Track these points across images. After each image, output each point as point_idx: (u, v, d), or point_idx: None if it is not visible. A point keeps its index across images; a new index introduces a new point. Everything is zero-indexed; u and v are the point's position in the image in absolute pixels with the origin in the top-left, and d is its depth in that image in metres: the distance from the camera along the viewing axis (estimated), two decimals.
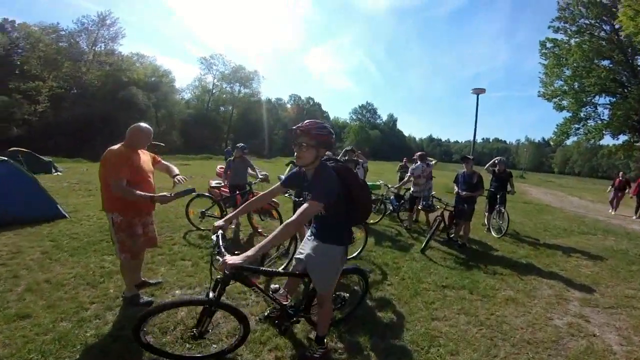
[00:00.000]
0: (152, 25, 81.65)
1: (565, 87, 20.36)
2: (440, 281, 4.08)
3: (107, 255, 4.06)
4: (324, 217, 2.16)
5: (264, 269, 2.76)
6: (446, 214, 5.55)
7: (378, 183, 8.48)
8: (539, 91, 21.72)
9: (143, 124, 2.95)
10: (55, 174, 13.03)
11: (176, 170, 3.19)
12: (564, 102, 20.70)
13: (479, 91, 14.39)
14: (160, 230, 5.36)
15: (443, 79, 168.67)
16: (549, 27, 19.99)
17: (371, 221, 6.66)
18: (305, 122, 2.06)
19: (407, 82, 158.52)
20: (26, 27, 32.38)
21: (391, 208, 7.61)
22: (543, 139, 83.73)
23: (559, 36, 19.88)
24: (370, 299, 3.45)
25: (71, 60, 34.04)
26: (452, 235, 5.70)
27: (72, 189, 9.01)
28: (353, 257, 4.47)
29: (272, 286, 2.62)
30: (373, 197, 8.07)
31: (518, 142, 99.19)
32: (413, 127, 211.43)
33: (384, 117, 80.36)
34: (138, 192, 2.71)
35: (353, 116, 77.05)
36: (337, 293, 2.71)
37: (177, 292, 3.30)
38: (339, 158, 6.40)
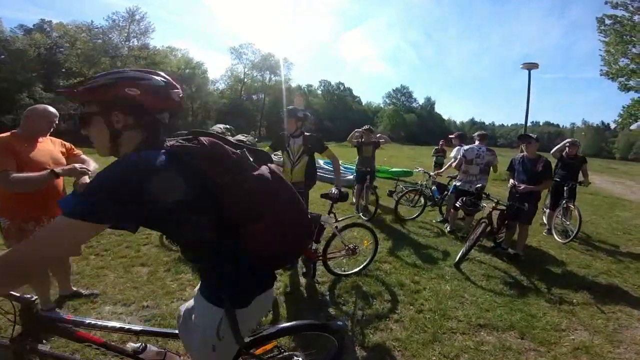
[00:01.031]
0: (184, 19, 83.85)
1: (632, 66, 18.32)
2: (477, 316, 2.85)
3: None
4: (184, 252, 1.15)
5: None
6: (495, 213, 4.11)
7: (417, 170, 7.21)
8: (601, 70, 19.58)
9: (41, 106, 2.35)
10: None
11: (92, 166, 2.36)
12: (631, 82, 18.65)
13: (530, 66, 12.30)
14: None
15: (487, 60, 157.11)
16: (606, 3, 17.91)
17: (405, 217, 5.70)
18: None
19: (447, 64, 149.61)
20: (62, 26, 34.16)
21: (430, 202, 6.38)
22: (602, 122, 78.59)
23: (619, 12, 18.02)
24: (358, 346, 2.36)
25: (107, 56, 35.57)
26: (501, 240, 4.33)
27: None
28: (354, 272, 3.40)
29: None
30: (408, 187, 7.12)
31: (573, 126, 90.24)
32: (453, 111, 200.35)
33: (421, 101, 76.16)
34: (28, 174, 2.06)
35: (387, 100, 73.90)
36: (285, 353, 1.58)
37: (107, 308, 2.69)
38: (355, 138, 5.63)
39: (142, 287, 3.04)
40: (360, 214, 5.47)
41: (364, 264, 3.46)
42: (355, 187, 5.81)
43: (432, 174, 6.40)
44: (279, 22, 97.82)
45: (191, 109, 44.74)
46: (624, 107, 19.24)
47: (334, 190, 2.91)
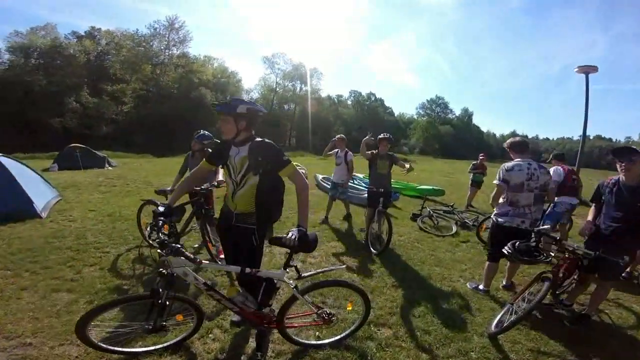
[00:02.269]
0: (220, 28, 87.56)
1: None
2: None
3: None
4: None
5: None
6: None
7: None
8: None
9: None
10: (107, 168, 13.52)
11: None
12: None
13: (587, 69, 10.66)
14: (101, 240, 4.25)
15: (526, 74, 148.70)
16: None
17: (428, 250, 4.50)
18: None
19: (483, 76, 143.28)
20: (109, 33, 36.16)
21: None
22: None
23: None
24: None
25: (149, 63, 37.42)
26: (561, 292, 3.15)
27: (98, 184, 8.65)
28: (330, 343, 2.33)
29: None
30: (437, 210, 6.11)
31: (629, 140, 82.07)
32: (492, 124, 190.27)
33: (457, 112, 72.65)
34: None
35: (420, 111, 71.22)
36: None
37: None
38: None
39: (43, 319, 2.49)
40: (371, 246, 4.35)
41: (346, 332, 2.39)
42: (366, 211, 4.84)
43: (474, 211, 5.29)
44: (309, 32, 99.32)
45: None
46: None
47: (292, 233, 1.82)
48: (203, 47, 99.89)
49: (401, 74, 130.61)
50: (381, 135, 4.59)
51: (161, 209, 2.00)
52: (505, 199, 3.06)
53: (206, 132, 4.15)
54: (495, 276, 3.34)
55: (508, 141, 3.21)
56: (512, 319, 2.48)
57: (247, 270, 1.88)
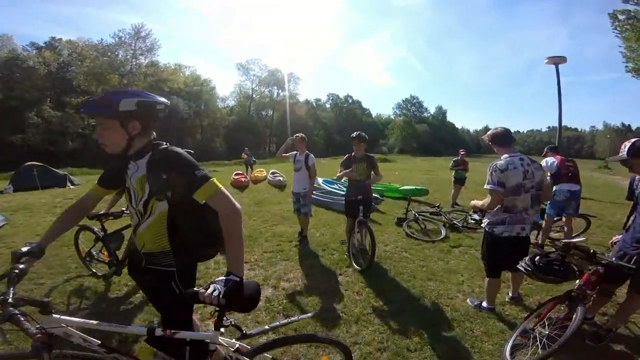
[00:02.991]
0: (192, 36, 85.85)
1: None
2: None
3: None
4: None
5: None
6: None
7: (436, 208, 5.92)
8: (626, 66, 18.78)
9: None
10: (68, 187, 12.42)
11: None
12: None
13: (557, 60, 10.75)
14: (38, 270, 3.64)
15: (495, 68, 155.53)
16: None
17: (417, 259, 4.02)
18: None
19: (455, 74, 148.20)
20: (71, 43, 34.30)
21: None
22: (623, 124, 74.79)
23: (631, 7, 17.33)
24: None
25: (115, 73, 35.86)
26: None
27: (53, 206, 7.75)
28: None
29: None
30: (422, 213, 5.61)
31: (593, 129, 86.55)
32: (466, 120, 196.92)
33: (432, 110, 74.23)
34: None
35: (397, 111, 72.30)
36: None
37: None
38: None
39: None
40: (354, 261, 3.77)
41: None
42: (346, 222, 4.27)
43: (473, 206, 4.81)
44: (284, 37, 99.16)
45: (200, 126, 44.71)
46: None
47: (213, 286, 1.17)
48: (174, 56, 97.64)
49: (377, 74, 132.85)
50: (352, 135, 3.93)
51: (25, 248, 1.36)
52: (500, 206, 2.57)
53: None
54: (495, 293, 2.88)
55: (489, 133, 2.71)
56: (540, 355, 1.96)
57: (159, 332, 1.25)
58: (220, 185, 1.33)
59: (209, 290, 1.15)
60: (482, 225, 2.72)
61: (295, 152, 4.68)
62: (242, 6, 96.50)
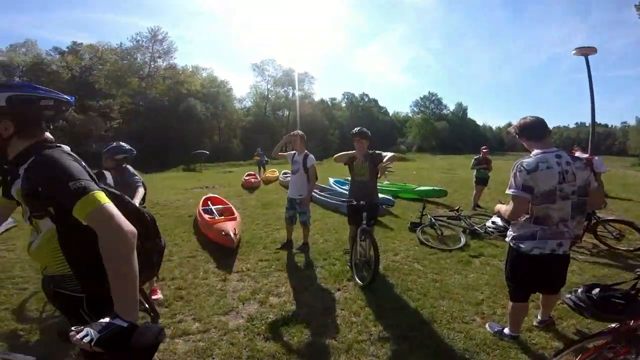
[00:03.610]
0: (208, 39, 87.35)
1: None
2: None
3: None
4: None
5: None
6: None
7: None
8: None
9: None
10: None
11: None
12: None
13: (587, 51, 9.76)
14: (25, 274, 3.63)
15: (513, 64, 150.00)
16: None
17: (432, 272, 3.52)
18: None
19: (472, 71, 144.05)
20: (92, 47, 35.34)
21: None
22: None
23: None
24: None
25: (135, 76, 36.76)
26: None
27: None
28: None
29: None
30: (437, 218, 5.04)
31: (625, 125, 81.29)
32: (487, 116, 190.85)
33: (451, 107, 71.92)
34: None
35: (415, 109, 70.51)
36: None
37: None
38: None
39: None
40: (356, 274, 3.28)
41: None
42: (349, 230, 3.71)
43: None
44: (298, 37, 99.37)
45: (217, 128, 45.31)
46: None
47: (86, 331, 0.82)
48: (189, 58, 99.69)
49: (392, 74, 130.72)
50: (353, 131, 3.39)
51: None
52: (528, 215, 2.01)
53: (121, 143, 3.12)
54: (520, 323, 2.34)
55: (517, 124, 2.15)
56: None
57: None
58: (105, 201, 0.98)
59: (81, 334, 0.83)
60: (507, 239, 2.17)
61: (293, 151, 4.19)
62: (255, 7, 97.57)
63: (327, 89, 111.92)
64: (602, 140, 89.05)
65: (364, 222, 3.16)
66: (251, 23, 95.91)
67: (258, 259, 3.98)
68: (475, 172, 7.26)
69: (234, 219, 4.76)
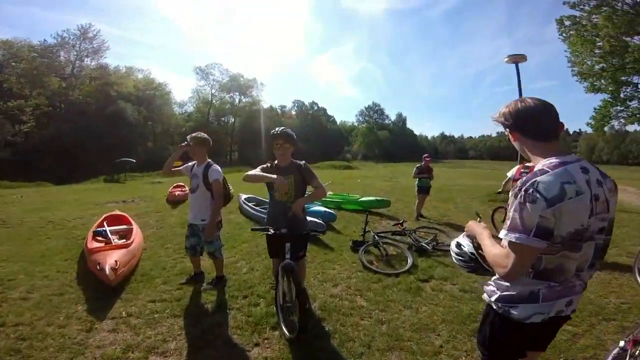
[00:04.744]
0: (151, 40, 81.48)
1: (597, 67, 18.44)
2: None
3: None
4: None
5: None
6: None
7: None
8: (572, 70, 19.42)
9: None
10: None
11: None
12: (598, 83, 18.47)
13: (517, 59, 10.54)
14: None
15: (449, 78, 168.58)
16: (564, 3, 17.82)
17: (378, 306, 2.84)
18: None
19: (412, 84, 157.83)
20: (7, 44, 30.76)
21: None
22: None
23: (576, 12, 18.12)
24: None
25: (56, 76, 32.45)
26: None
27: None
28: None
29: None
30: (380, 234, 4.42)
31: None
32: (423, 127, 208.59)
33: (392, 117, 75.86)
34: None
35: (360, 118, 72.96)
36: None
37: None
38: None
39: None
40: (283, 323, 2.46)
41: None
42: (272, 263, 2.88)
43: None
44: (249, 44, 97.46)
45: (152, 133, 41.83)
46: (595, 108, 18.73)
47: None
48: (130, 60, 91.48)
49: (341, 84, 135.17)
50: (273, 132, 2.54)
51: None
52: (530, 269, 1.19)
53: None
54: None
55: (508, 109, 1.28)
56: None
57: None
58: None
59: None
60: (485, 296, 1.35)
61: (192, 162, 3.22)
62: (206, 11, 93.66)
63: (278, 97, 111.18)
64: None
65: (288, 255, 2.36)
66: (200, 26, 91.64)
67: (150, 299, 3.01)
68: (417, 181, 7.01)
69: (126, 246, 3.68)
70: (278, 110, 60.02)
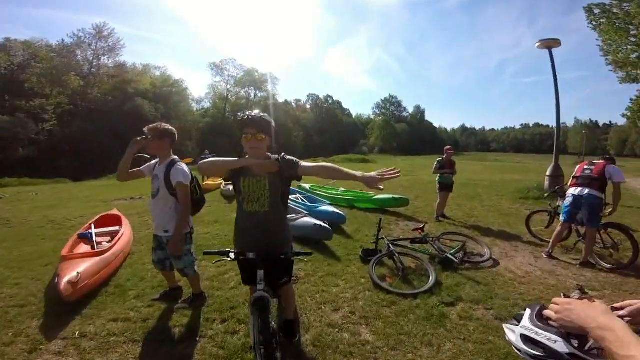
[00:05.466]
0: (167, 38, 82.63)
1: (633, 56, 17.06)
2: None
3: None
4: None
5: None
6: None
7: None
8: (606, 59, 18.33)
9: None
10: None
11: None
12: (634, 73, 17.12)
13: (550, 44, 9.44)
14: None
15: (466, 69, 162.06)
16: None
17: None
18: None
19: (430, 74, 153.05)
20: (27, 44, 31.62)
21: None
22: (591, 120, 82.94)
23: (606, 0, 16.95)
24: None
25: (75, 75, 33.34)
26: None
27: None
28: None
29: None
30: (392, 243, 3.62)
31: (564, 126, 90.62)
32: (443, 119, 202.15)
33: (410, 110, 73.65)
34: None
35: (376, 111, 71.21)
36: None
37: None
38: None
39: None
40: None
41: None
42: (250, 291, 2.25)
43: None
44: (262, 39, 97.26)
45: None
46: (632, 99, 17.61)
47: None
48: (146, 57, 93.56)
49: (356, 76, 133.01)
50: (243, 115, 1.86)
51: None
52: None
53: None
54: None
55: None
56: None
57: None
58: None
59: None
60: None
61: (153, 161, 2.63)
62: (220, 7, 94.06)
63: (293, 90, 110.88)
64: (544, 140, 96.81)
65: (259, 287, 1.70)
66: (215, 22, 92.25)
67: (113, 317, 2.55)
68: (438, 177, 6.23)
69: (100, 254, 3.25)
70: (293, 104, 59.70)
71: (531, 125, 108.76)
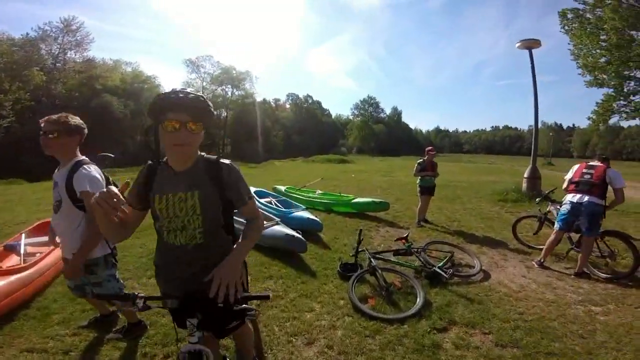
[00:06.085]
0: (143, 34, 79.34)
1: (602, 60, 18.17)
2: None
3: None
4: None
5: None
6: None
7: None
8: (577, 63, 19.07)
9: None
10: None
11: None
12: (601, 77, 18.28)
13: (530, 44, 9.47)
14: None
15: (446, 70, 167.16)
16: None
17: None
18: None
19: (409, 76, 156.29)
20: None
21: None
22: (556, 123, 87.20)
23: (579, 5, 17.82)
24: None
25: (38, 70, 31.14)
26: None
27: None
28: None
29: None
30: (371, 256, 3.13)
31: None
32: (418, 120, 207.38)
33: (388, 111, 74.61)
34: None
35: (355, 111, 71.64)
36: None
37: None
38: None
39: None
40: None
41: None
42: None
43: None
44: (245, 37, 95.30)
45: (141, 127, 40.78)
46: (597, 102, 18.39)
47: None
48: (124, 54, 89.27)
49: (337, 77, 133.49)
50: (164, 94, 1.15)
51: None
52: None
53: None
54: None
55: None
56: None
57: None
58: None
59: None
60: None
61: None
62: (202, 6, 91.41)
63: (277, 89, 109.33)
64: (513, 142, 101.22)
65: (192, 338, 1.20)
66: (197, 20, 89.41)
67: (27, 347, 2.08)
68: (419, 180, 5.88)
69: (19, 271, 2.68)
70: (272, 103, 58.80)
71: (501, 127, 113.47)
